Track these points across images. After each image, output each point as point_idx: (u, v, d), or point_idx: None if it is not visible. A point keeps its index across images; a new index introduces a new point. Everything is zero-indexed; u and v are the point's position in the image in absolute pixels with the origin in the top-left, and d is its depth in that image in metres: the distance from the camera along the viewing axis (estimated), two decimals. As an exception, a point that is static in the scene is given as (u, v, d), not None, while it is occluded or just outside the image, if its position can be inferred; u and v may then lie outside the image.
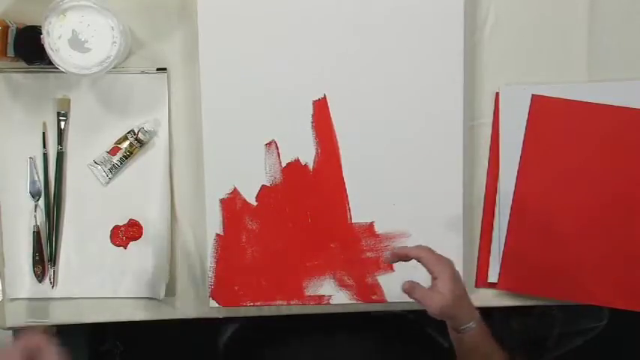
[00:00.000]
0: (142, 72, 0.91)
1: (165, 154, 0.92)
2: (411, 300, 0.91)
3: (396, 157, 0.91)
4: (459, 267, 0.91)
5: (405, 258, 0.79)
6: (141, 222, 0.93)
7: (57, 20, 0.82)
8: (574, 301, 0.93)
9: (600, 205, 0.91)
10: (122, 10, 0.85)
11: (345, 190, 0.91)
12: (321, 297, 0.92)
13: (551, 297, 0.93)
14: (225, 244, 0.91)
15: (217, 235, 0.91)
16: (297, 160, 0.91)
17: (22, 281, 0.92)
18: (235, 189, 0.91)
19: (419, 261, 0.77)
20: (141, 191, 0.92)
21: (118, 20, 0.83)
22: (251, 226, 0.91)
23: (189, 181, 0.93)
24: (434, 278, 0.76)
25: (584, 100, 0.90)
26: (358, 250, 0.92)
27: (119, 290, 0.93)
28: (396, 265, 0.91)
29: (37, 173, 0.92)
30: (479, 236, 0.93)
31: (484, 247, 0.93)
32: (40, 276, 0.92)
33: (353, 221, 0.91)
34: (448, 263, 0.78)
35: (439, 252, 0.90)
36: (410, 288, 0.77)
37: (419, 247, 0.78)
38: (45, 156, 0.92)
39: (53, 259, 0.92)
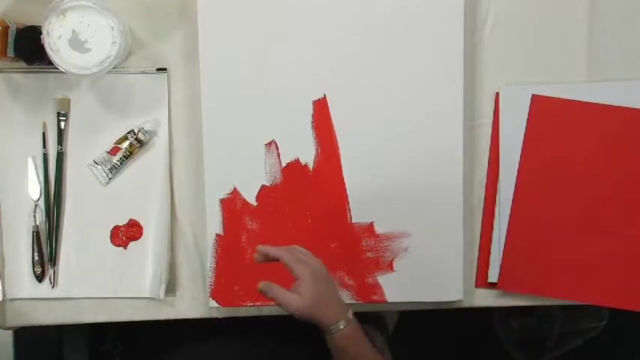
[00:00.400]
0: (142, 72, 0.91)
1: (165, 154, 0.92)
2: (412, 300, 0.92)
3: (396, 157, 0.91)
4: (458, 267, 0.91)
5: (269, 258, 0.77)
6: (141, 222, 0.93)
7: (57, 20, 0.82)
8: (574, 301, 0.93)
9: (600, 205, 0.91)
10: (122, 10, 0.85)
11: (345, 190, 0.91)
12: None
13: (551, 297, 0.93)
14: (225, 244, 0.91)
15: (217, 235, 0.91)
16: (297, 160, 0.91)
17: (22, 281, 0.92)
18: (235, 189, 0.91)
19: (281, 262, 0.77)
20: (141, 191, 0.92)
21: (118, 20, 0.83)
22: (251, 226, 0.91)
23: (189, 181, 0.93)
24: (296, 279, 0.76)
25: (584, 100, 0.90)
26: (358, 250, 0.92)
27: (119, 290, 0.93)
28: (396, 265, 0.92)
29: (37, 173, 0.92)
30: (479, 236, 0.93)
31: (484, 247, 0.93)
32: (40, 276, 0.92)
33: (353, 221, 0.91)
34: (310, 263, 0.77)
35: (439, 252, 0.91)
36: (265, 288, 0.75)
37: (282, 247, 0.77)
38: (45, 156, 0.92)
39: (53, 259, 0.92)
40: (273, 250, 0.77)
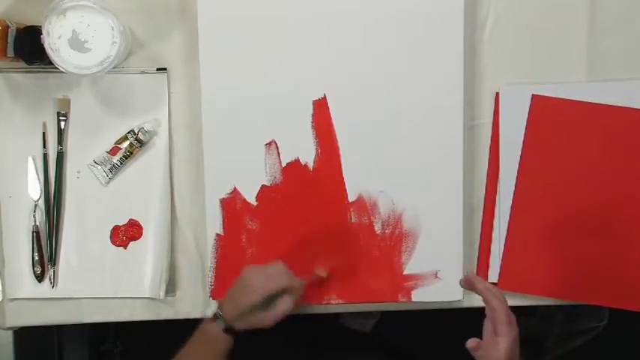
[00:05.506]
0: (142, 72, 0.91)
1: (165, 154, 0.92)
2: (412, 300, 0.92)
3: (395, 158, 0.91)
4: (458, 267, 0.91)
5: (476, 291, 0.76)
6: (141, 222, 0.93)
7: (57, 20, 0.82)
8: (574, 301, 0.93)
9: (600, 205, 0.91)
10: (122, 10, 0.85)
11: (345, 190, 0.91)
12: (320, 297, 0.92)
13: (552, 297, 0.93)
14: (225, 244, 0.91)
15: (217, 235, 0.91)
16: (297, 160, 0.91)
17: (22, 281, 0.92)
18: (235, 189, 0.91)
19: (489, 310, 0.74)
20: (141, 191, 0.92)
21: (118, 20, 0.83)
22: (251, 226, 0.91)
23: (189, 181, 0.93)
24: (496, 335, 0.74)
25: (584, 100, 0.90)
26: (358, 250, 0.92)
27: (119, 290, 0.93)
28: (396, 265, 0.91)
29: (37, 173, 0.92)
30: (479, 236, 0.93)
31: (484, 247, 0.93)
32: (40, 276, 0.92)
33: (353, 221, 0.91)
34: (515, 325, 0.75)
35: (439, 252, 0.90)
36: (476, 345, 0.74)
37: (497, 295, 0.74)
38: (45, 156, 0.92)
39: (53, 259, 0.92)
40: (490, 296, 0.74)
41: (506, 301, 0.74)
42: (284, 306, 0.82)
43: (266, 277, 0.81)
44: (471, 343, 0.73)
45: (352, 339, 1.22)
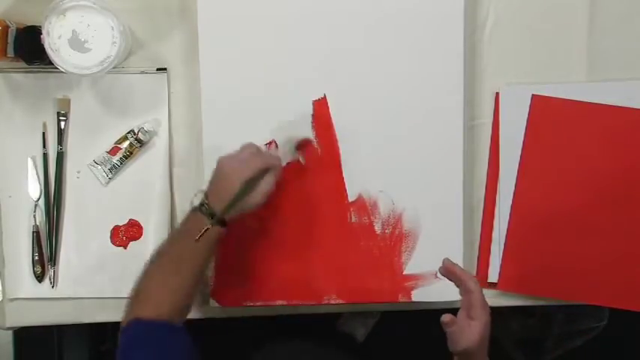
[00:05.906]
0: (142, 72, 0.91)
1: (165, 154, 0.92)
2: (412, 300, 0.92)
3: (395, 157, 0.91)
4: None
5: (454, 279, 0.76)
6: (141, 222, 0.93)
7: (57, 20, 0.82)
8: (574, 301, 0.93)
9: (600, 204, 0.91)
10: (122, 10, 0.85)
11: (345, 190, 0.91)
12: (320, 297, 0.92)
13: (551, 297, 0.93)
14: (225, 244, 0.91)
15: (217, 235, 0.91)
16: (297, 160, 0.91)
17: (22, 281, 0.92)
18: (235, 189, 0.91)
19: (465, 293, 0.75)
20: (141, 191, 0.92)
21: (118, 20, 0.83)
22: (251, 225, 0.91)
23: (190, 181, 0.93)
24: (470, 318, 0.74)
25: (584, 100, 0.90)
26: (358, 250, 0.92)
27: (119, 290, 0.92)
28: (396, 266, 0.91)
29: (37, 173, 0.92)
30: (479, 236, 0.93)
31: (484, 247, 0.93)
32: (40, 276, 0.92)
33: (353, 221, 0.91)
34: (488, 310, 0.76)
35: (439, 252, 0.90)
36: (450, 321, 0.74)
37: (474, 280, 0.75)
38: (45, 156, 0.92)
39: (53, 259, 0.92)
40: (468, 281, 0.74)
41: (479, 285, 0.75)
42: (266, 185, 0.81)
43: (241, 163, 0.81)
44: (445, 317, 0.73)
45: (346, 344, 1.21)
